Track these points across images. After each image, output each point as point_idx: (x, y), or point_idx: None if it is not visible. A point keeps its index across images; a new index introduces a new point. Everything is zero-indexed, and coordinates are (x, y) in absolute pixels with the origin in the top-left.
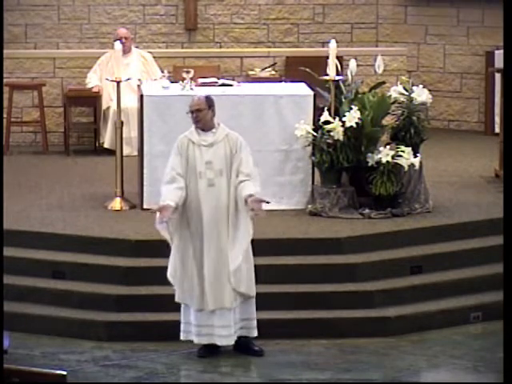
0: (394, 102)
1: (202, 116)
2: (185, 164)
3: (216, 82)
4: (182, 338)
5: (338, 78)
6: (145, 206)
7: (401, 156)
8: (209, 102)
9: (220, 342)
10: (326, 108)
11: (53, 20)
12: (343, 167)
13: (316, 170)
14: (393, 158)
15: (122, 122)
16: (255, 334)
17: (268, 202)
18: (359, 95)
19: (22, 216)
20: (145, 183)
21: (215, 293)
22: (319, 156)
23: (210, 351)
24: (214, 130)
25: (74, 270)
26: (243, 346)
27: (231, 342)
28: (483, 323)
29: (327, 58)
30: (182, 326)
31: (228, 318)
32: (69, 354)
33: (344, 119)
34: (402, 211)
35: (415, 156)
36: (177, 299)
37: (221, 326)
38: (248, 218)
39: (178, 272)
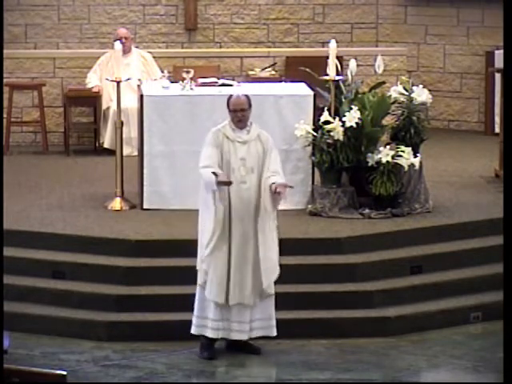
0: (394, 102)
1: (246, 115)
2: (220, 158)
3: (216, 82)
4: (194, 332)
5: (338, 78)
6: (145, 206)
7: (401, 156)
8: (249, 100)
9: (234, 337)
10: (326, 108)
11: (53, 20)
12: (343, 167)
13: (316, 169)
14: (393, 158)
15: (122, 122)
16: (275, 333)
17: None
18: (359, 95)
19: (22, 216)
20: (145, 183)
21: (238, 288)
22: (319, 156)
23: (213, 351)
24: (247, 128)
25: (74, 270)
26: (240, 345)
27: (245, 337)
28: (483, 323)
29: (327, 58)
30: (198, 321)
31: (246, 314)
32: (69, 354)
33: (344, 119)
34: (402, 211)
35: (415, 156)
36: (207, 295)
37: (237, 321)
38: (273, 217)
39: (212, 267)
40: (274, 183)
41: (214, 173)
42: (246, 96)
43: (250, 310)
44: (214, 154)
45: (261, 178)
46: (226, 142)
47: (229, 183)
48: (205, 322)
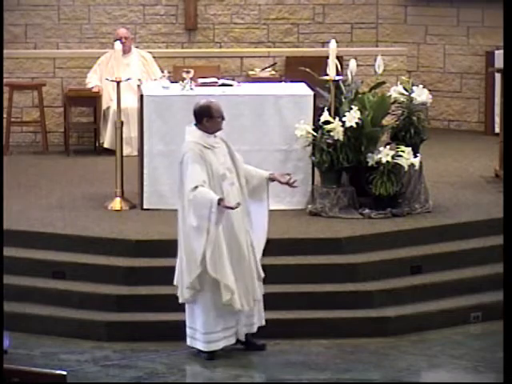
0: (394, 102)
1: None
2: (209, 171)
3: (216, 82)
4: (207, 349)
5: (337, 78)
6: (145, 206)
7: (401, 156)
8: None
9: (244, 332)
10: (326, 108)
11: (53, 20)
12: (343, 167)
13: (316, 169)
14: (393, 158)
15: (122, 122)
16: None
17: (289, 174)
18: (359, 95)
19: (22, 216)
20: (145, 183)
21: (252, 284)
22: (319, 156)
23: (212, 352)
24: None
25: (74, 270)
26: (243, 342)
27: (254, 329)
28: (483, 323)
29: (327, 58)
30: (209, 337)
31: (255, 308)
32: (69, 354)
33: (344, 119)
34: (402, 211)
35: (415, 156)
36: (239, 306)
37: (246, 315)
38: (267, 204)
39: (233, 278)
40: (271, 173)
41: (220, 198)
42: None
43: (257, 302)
44: (202, 172)
45: (238, 175)
46: (208, 152)
47: (236, 207)
48: (218, 335)
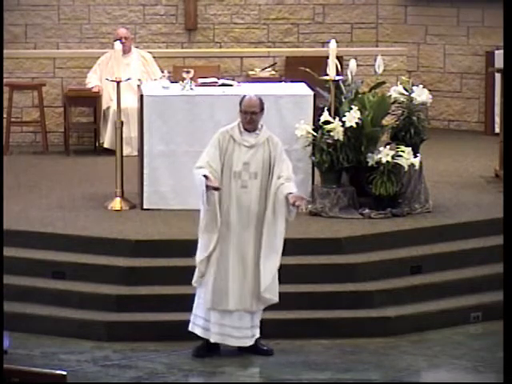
0: (394, 102)
1: (256, 118)
2: (223, 160)
3: (216, 82)
4: (190, 328)
5: (338, 78)
6: (145, 206)
7: (401, 156)
8: (262, 104)
9: (233, 343)
10: (326, 108)
11: (53, 20)
12: (343, 167)
13: (316, 169)
14: (393, 158)
15: (122, 122)
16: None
17: (309, 200)
18: (359, 95)
19: (21, 216)
20: (145, 183)
21: (238, 294)
22: (319, 156)
23: (208, 350)
24: (257, 132)
25: (74, 270)
26: (251, 347)
27: (246, 344)
28: (483, 323)
29: (327, 58)
30: (194, 318)
31: (246, 321)
32: (69, 354)
33: (344, 119)
34: (402, 211)
35: (415, 156)
36: (208, 306)
37: (235, 327)
38: (283, 224)
39: (208, 270)
40: (290, 193)
41: (205, 175)
42: (259, 99)
43: (251, 315)
44: (211, 156)
45: (266, 183)
46: (231, 144)
47: (217, 188)
48: (196, 320)
